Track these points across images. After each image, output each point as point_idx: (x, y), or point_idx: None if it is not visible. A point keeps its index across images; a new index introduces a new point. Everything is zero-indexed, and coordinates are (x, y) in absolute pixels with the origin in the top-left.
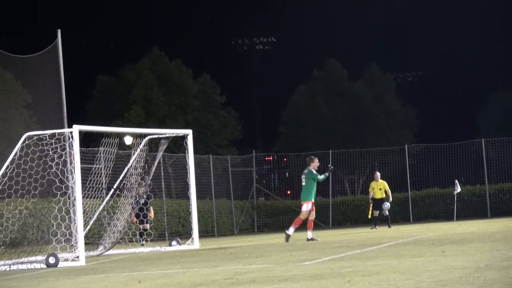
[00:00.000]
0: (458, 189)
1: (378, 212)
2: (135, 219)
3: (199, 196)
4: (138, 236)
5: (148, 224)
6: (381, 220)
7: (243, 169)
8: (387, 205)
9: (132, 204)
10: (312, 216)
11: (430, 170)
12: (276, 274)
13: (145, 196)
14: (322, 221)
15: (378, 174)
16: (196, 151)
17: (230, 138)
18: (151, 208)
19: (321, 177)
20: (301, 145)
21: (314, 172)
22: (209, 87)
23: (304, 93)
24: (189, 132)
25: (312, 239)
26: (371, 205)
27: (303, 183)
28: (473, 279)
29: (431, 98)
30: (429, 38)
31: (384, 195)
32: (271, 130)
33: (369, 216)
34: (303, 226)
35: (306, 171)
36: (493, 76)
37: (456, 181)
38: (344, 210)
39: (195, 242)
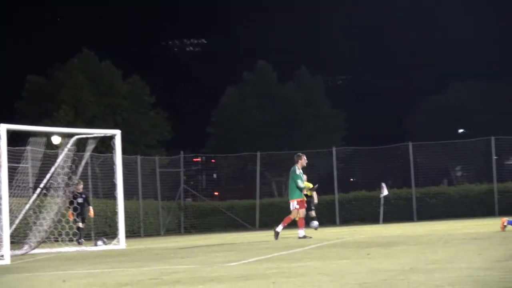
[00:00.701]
0: (385, 192)
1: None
2: (71, 216)
3: (126, 197)
4: (75, 235)
5: (83, 224)
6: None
7: (171, 170)
8: (315, 224)
9: (69, 200)
10: (302, 213)
11: (358, 173)
12: (201, 275)
13: (83, 196)
14: (248, 223)
15: (304, 176)
16: (124, 152)
17: (159, 139)
18: (91, 207)
19: (300, 184)
20: (230, 146)
21: (297, 173)
22: (138, 88)
23: (234, 95)
24: (117, 132)
25: (304, 236)
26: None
27: (290, 181)
28: (397, 282)
29: (360, 101)
30: (359, 42)
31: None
32: (201, 132)
33: (295, 218)
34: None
35: (292, 169)
36: (421, 80)
37: (383, 184)
38: (271, 212)
39: (121, 242)
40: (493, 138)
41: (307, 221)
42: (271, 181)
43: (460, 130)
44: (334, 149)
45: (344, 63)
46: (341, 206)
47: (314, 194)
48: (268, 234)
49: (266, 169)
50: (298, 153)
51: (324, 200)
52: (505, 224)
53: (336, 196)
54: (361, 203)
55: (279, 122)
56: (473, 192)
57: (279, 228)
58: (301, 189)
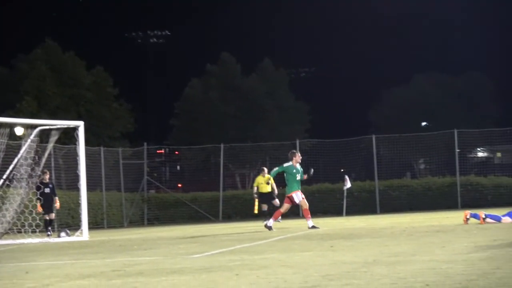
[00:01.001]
0: (348, 184)
1: (267, 206)
2: (40, 208)
3: (89, 188)
4: (43, 227)
5: (54, 214)
6: (271, 214)
7: (134, 162)
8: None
9: (34, 190)
10: (305, 205)
11: (321, 165)
12: (164, 267)
13: (50, 185)
14: (212, 215)
15: (265, 169)
16: (87, 143)
17: (122, 131)
18: (57, 198)
19: (273, 171)
20: (193, 138)
21: (297, 167)
22: (102, 79)
23: (198, 87)
24: (80, 123)
25: (313, 227)
26: (257, 200)
27: (288, 177)
28: (360, 274)
29: (324, 94)
30: (323, 34)
31: (271, 190)
32: (164, 124)
33: (255, 211)
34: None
35: (288, 166)
36: (385, 72)
37: (346, 176)
38: (235, 204)
39: (84, 234)
40: (456, 131)
41: (271, 213)
42: (234, 173)
43: (423, 123)
44: (297, 141)
45: (308, 55)
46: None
47: (275, 187)
48: (232, 226)
49: (230, 161)
50: (293, 151)
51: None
52: (468, 217)
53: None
54: (324, 196)
55: (243, 114)
56: (436, 185)
57: (276, 221)
58: (273, 175)
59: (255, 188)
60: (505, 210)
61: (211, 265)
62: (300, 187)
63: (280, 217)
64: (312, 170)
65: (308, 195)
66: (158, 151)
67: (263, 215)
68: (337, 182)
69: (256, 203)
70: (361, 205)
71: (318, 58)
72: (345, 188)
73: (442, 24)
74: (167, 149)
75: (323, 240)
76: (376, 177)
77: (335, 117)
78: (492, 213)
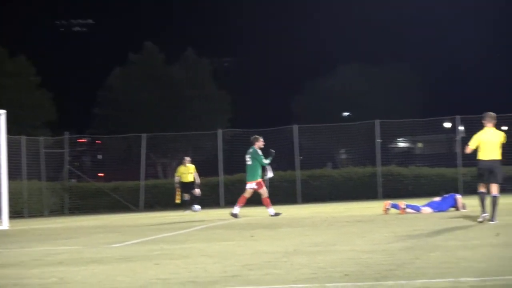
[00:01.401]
0: (270, 174)
1: (188, 195)
2: None
3: (10, 177)
4: None
5: None
6: (191, 204)
7: (55, 151)
8: (196, 208)
9: None
10: (265, 193)
11: (243, 155)
12: (84, 256)
13: None
14: (133, 204)
15: (187, 158)
16: (8, 132)
17: (44, 119)
18: None
19: (266, 161)
20: (115, 128)
21: (260, 153)
22: (24, 68)
23: (120, 76)
24: (1, 112)
25: (276, 214)
26: (179, 189)
27: (249, 163)
28: (280, 264)
29: (247, 83)
30: (246, 23)
31: (193, 179)
32: (86, 112)
33: (177, 201)
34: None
35: (251, 150)
36: (308, 62)
37: (268, 166)
38: (156, 193)
39: (4, 223)
40: (377, 122)
41: (192, 203)
42: (156, 163)
43: (345, 113)
44: (219, 131)
45: (231, 45)
46: (226, 188)
47: (197, 177)
48: (153, 216)
49: (152, 151)
50: (255, 136)
51: (209, 182)
52: (388, 207)
53: (221, 178)
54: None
55: (165, 103)
56: (357, 175)
57: (236, 209)
58: (265, 165)
59: (177, 178)
60: (425, 201)
61: (131, 254)
62: (261, 176)
63: (198, 207)
64: (273, 151)
65: (229, 185)
66: (79, 140)
67: (184, 205)
68: None
69: (178, 192)
70: (282, 195)
71: (241, 48)
72: (266, 177)
73: (369, 16)
74: (89, 138)
75: (244, 230)
76: (297, 167)
77: (258, 107)
78: (412, 203)
